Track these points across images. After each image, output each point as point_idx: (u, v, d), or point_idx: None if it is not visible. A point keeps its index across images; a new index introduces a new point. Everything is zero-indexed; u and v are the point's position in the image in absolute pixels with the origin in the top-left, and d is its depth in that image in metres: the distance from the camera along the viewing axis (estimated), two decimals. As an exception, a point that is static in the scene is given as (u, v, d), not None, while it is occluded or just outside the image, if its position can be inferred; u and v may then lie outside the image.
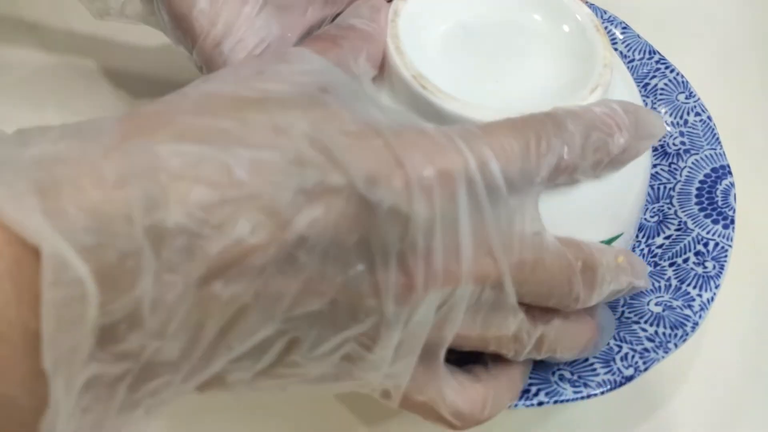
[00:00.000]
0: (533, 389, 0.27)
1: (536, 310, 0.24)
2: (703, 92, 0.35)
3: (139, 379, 0.17)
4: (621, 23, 0.37)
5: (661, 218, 0.33)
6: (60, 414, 0.16)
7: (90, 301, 0.15)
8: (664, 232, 0.33)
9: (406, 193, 0.18)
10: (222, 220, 0.16)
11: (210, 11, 0.26)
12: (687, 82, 0.35)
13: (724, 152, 0.33)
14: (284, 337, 0.19)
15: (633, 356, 0.28)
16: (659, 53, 0.36)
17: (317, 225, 0.18)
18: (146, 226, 0.16)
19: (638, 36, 0.37)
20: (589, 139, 0.22)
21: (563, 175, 0.22)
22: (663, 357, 0.28)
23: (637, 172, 0.26)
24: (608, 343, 0.28)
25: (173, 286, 0.16)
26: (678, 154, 0.34)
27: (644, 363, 0.28)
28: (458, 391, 0.23)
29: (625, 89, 0.28)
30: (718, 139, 0.34)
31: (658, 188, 0.34)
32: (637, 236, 0.33)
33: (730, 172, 0.33)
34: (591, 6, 0.37)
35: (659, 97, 0.35)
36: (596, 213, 0.25)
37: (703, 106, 0.35)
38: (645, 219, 0.34)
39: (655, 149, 0.35)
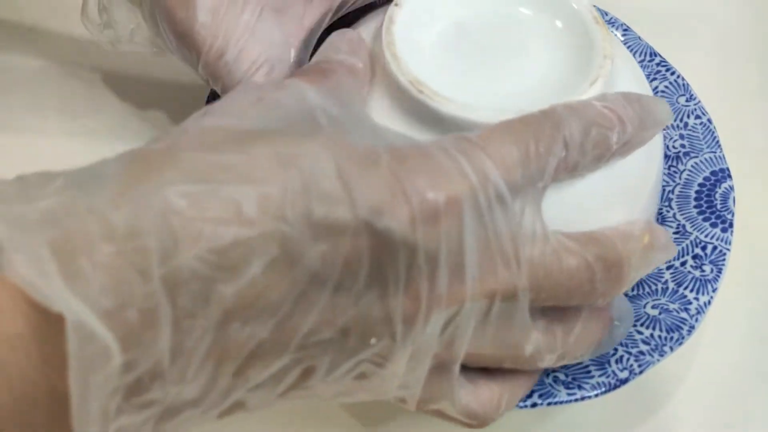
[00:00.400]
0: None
1: (557, 320, 0.23)
2: (702, 93, 0.35)
3: (162, 419, 0.17)
4: (622, 25, 0.37)
5: (659, 221, 0.33)
6: None
7: (115, 363, 0.15)
8: (662, 235, 0.32)
9: (412, 223, 0.18)
10: (235, 261, 0.17)
11: (211, 24, 0.26)
12: (687, 84, 0.35)
13: (723, 155, 0.33)
14: (299, 366, 0.19)
15: (628, 359, 0.28)
16: (660, 55, 0.36)
17: (327, 259, 0.18)
18: (162, 276, 0.16)
19: (639, 38, 0.36)
20: (589, 135, 0.22)
21: (564, 173, 0.23)
22: (658, 360, 0.28)
23: (652, 154, 0.26)
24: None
25: (192, 331, 0.16)
26: (677, 157, 0.34)
27: (639, 366, 0.28)
28: (472, 393, 0.23)
29: (631, 79, 0.28)
30: (718, 142, 0.34)
31: (657, 191, 0.34)
32: (635, 239, 0.33)
33: (729, 176, 0.33)
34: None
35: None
36: (611, 200, 0.25)
37: (704, 109, 0.34)
38: (644, 221, 0.34)
39: (654, 152, 0.35)
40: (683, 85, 0.35)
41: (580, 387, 0.27)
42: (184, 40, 0.27)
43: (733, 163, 0.33)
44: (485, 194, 0.20)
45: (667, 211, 0.33)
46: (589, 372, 0.28)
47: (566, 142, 0.22)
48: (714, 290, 0.30)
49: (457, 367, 0.22)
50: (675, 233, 0.32)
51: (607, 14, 0.37)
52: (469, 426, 0.24)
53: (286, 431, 0.30)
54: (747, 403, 0.32)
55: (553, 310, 0.23)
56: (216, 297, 0.16)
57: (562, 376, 0.27)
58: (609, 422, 0.31)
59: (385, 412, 0.30)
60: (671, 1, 0.44)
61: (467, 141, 0.20)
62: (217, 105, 0.20)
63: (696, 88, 0.35)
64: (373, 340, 0.19)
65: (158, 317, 0.16)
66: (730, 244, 0.31)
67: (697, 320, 0.29)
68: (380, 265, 0.19)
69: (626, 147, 0.24)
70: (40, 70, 0.38)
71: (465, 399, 0.23)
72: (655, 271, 0.31)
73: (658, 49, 0.36)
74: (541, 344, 0.23)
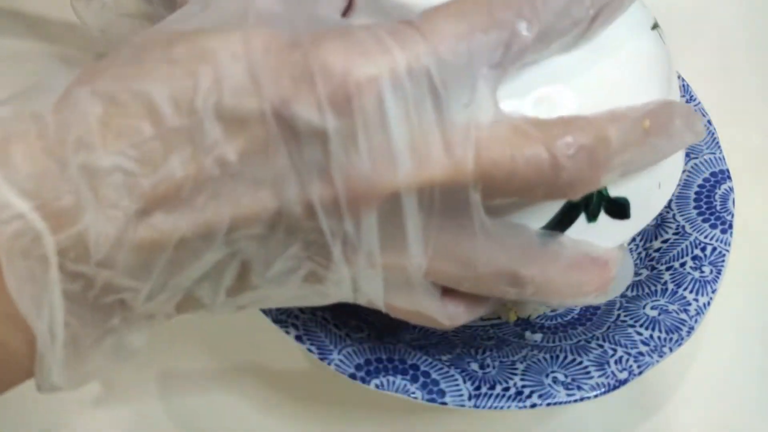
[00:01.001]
0: (526, 391, 0.27)
1: (523, 249, 0.21)
2: (702, 93, 0.35)
3: (102, 295, 0.19)
4: (622, 26, 0.37)
5: (659, 222, 0.33)
6: (42, 332, 0.18)
7: (38, 232, 0.17)
8: (661, 236, 0.32)
9: (320, 108, 0.18)
10: (153, 156, 0.18)
11: None
12: (688, 85, 0.35)
13: (723, 157, 0.33)
14: (235, 260, 0.20)
15: (627, 360, 0.28)
16: (660, 56, 0.36)
17: (242, 151, 0.18)
18: (79, 165, 0.18)
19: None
20: (550, 4, 0.19)
21: (529, 53, 0.20)
22: (658, 361, 0.28)
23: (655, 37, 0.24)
24: (602, 346, 0.28)
25: (115, 220, 0.18)
26: (677, 158, 0.34)
27: (639, 367, 0.27)
28: (439, 300, 0.22)
29: None
30: (717, 143, 0.34)
31: (657, 192, 0.34)
32: (634, 239, 0.33)
33: (729, 177, 0.33)
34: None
35: (659, 100, 0.35)
36: (608, 85, 0.21)
37: (704, 110, 0.34)
38: (643, 222, 0.33)
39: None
40: (683, 86, 0.35)
41: (579, 388, 0.27)
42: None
43: (732, 164, 0.33)
44: (413, 75, 0.18)
45: (667, 213, 0.33)
46: (588, 373, 0.27)
47: (523, 15, 0.19)
48: (713, 291, 0.30)
49: (418, 279, 0.21)
50: (675, 234, 0.32)
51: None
52: (443, 326, 0.23)
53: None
54: (747, 403, 0.32)
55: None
56: (137, 189, 0.18)
57: (561, 377, 0.27)
58: (609, 422, 0.31)
59: (384, 412, 0.30)
60: (671, 1, 0.45)
61: (403, 22, 0.19)
62: (169, 17, 0.21)
63: (695, 88, 0.35)
64: (300, 234, 0.19)
65: (79, 202, 0.18)
66: (729, 245, 0.31)
67: (696, 321, 0.29)
68: (295, 155, 0.18)
69: (607, 11, 0.20)
70: (40, 56, 0.38)
71: (434, 305, 0.22)
72: (655, 272, 0.31)
73: None
74: (500, 262, 0.21)
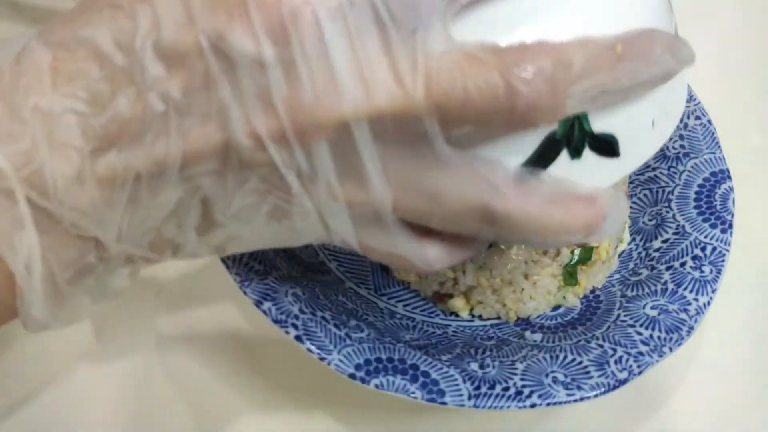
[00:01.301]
0: (526, 391, 0.27)
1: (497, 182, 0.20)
2: (701, 93, 0.35)
3: (72, 230, 0.20)
4: (622, 26, 0.37)
5: (659, 222, 0.33)
6: (17, 266, 0.19)
7: (1, 168, 0.19)
8: (661, 236, 0.32)
9: (254, 38, 0.18)
10: (100, 97, 0.19)
11: None
12: (686, 84, 0.35)
13: (723, 156, 0.33)
14: (196, 197, 0.20)
15: (627, 359, 0.28)
16: (660, 56, 0.36)
17: (184, 86, 0.19)
18: (31, 108, 0.19)
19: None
20: None
21: None
22: (658, 361, 0.28)
23: None
24: (602, 346, 0.28)
25: (70, 159, 0.19)
26: (677, 158, 0.34)
27: (639, 366, 0.27)
28: (415, 240, 0.22)
29: None
30: (717, 143, 0.34)
31: (657, 191, 0.34)
32: (634, 239, 0.33)
33: (729, 177, 0.33)
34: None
35: (659, 100, 0.35)
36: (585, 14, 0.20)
37: (704, 110, 0.34)
38: (644, 222, 0.33)
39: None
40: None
41: (579, 387, 0.27)
42: None
43: (733, 164, 0.33)
44: (354, 1, 0.18)
45: (667, 212, 0.33)
46: (588, 373, 0.27)
47: None
48: (713, 291, 0.30)
49: (387, 215, 0.20)
50: (675, 234, 0.32)
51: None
52: (420, 271, 0.23)
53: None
54: (747, 402, 0.32)
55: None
56: (90, 130, 0.19)
57: (561, 377, 0.27)
58: (609, 422, 0.31)
59: (385, 412, 0.30)
60: (671, 1, 0.44)
61: None
62: None
63: (695, 88, 0.35)
64: (254, 167, 0.20)
65: (37, 145, 0.19)
66: (729, 245, 0.31)
67: (696, 321, 0.29)
68: (236, 86, 0.19)
69: None
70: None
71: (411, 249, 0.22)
72: (655, 272, 0.31)
73: None
74: (469, 196, 0.20)
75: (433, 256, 0.22)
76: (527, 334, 0.31)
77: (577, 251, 0.31)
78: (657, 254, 0.32)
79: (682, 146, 0.34)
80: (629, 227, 0.34)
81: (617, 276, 0.32)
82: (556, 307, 0.32)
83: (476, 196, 0.20)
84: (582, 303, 0.32)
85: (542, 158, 0.20)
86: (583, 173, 0.21)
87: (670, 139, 0.34)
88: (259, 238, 0.22)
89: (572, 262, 0.31)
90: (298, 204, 0.20)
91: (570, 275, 0.31)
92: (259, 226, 0.21)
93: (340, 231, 0.21)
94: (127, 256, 0.21)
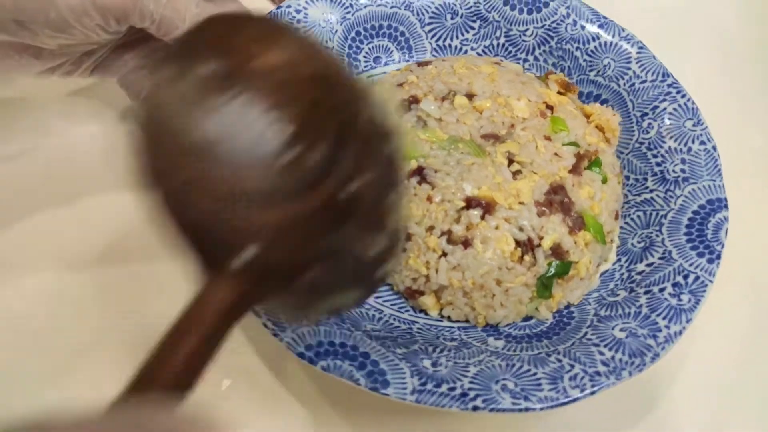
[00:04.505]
0: (471, 394, 0.26)
1: None
2: (702, 93, 0.35)
3: None
4: (638, 42, 0.36)
5: (647, 244, 0.32)
6: None
7: None
8: (647, 259, 0.31)
9: None
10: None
11: None
12: (697, 108, 0.34)
13: (723, 185, 0.32)
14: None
15: (582, 378, 0.27)
16: (672, 76, 0.35)
17: None
18: None
19: (654, 57, 0.35)
20: None
21: None
22: (614, 383, 0.27)
23: None
24: (561, 361, 0.28)
25: None
26: (676, 182, 0.33)
27: (593, 386, 0.27)
28: None
29: None
30: (719, 170, 0.32)
31: (651, 214, 0.33)
32: (620, 260, 0.32)
33: (725, 206, 0.31)
34: (608, 22, 0.37)
35: (666, 121, 0.34)
36: None
37: (709, 135, 0.33)
38: (632, 244, 0.32)
39: (654, 174, 0.34)
40: (692, 108, 0.34)
41: (526, 398, 0.26)
42: None
43: (733, 163, 0.33)
44: None
45: (657, 236, 0.32)
46: (539, 385, 0.27)
47: None
48: (688, 321, 0.28)
49: None
50: (660, 258, 0.31)
51: (624, 30, 0.36)
52: None
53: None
54: (745, 402, 0.31)
55: None
56: None
57: (511, 385, 0.27)
58: (608, 419, 0.30)
59: (385, 414, 0.30)
60: (672, 1, 0.44)
61: None
62: None
63: (696, 88, 0.35)
64: None
65: None
66: (714, 275, 0.30)
67: (663, 349, 0.28)
68: None
69: None
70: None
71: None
72: (633, 294, 0.30)
73: (658, 49, 0.35)
74: None
75: None
76: (490, 340, 0.30)
77: (554, 263, 0.30)
78: (639, 277, 0.31)
79: (682, 170, 0.33)
80: (617, 247, 0.33)
81: (595, 294, 0.32)
82: (527, 318, 0.31)
83: None
84: (554, 317, 0.31)
85: None
86: None
87: (672, 162, 0.33)
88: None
89: (548, 274, 0.30)
90: None
91: (544, 287, 0.30)
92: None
93: None
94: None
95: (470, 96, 0.33)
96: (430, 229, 0.30)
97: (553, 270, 0.31)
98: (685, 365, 0.32)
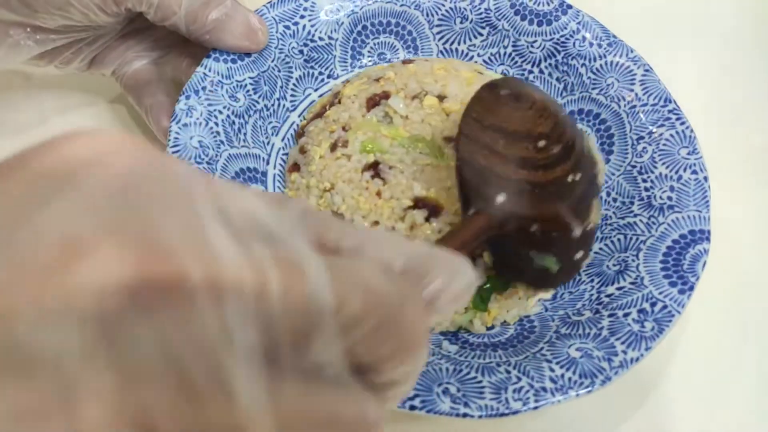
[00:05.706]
0: (411, 393, 0.26)
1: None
2: (702, 93, 0.35)
3: None
4: (645, 65, 0.35)
5: (622, 268, 0.31)
6: None
7: None
8: (618, 282, 0.31)
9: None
10: None
11: None
12: (694, 137, 0.33)
13: (708, 216, 0.31)
14: None
15: (527, 391, 0.26)
16: (675, 102, 0.34)
17: None
18: None
19: (659, 81, 0.35)
20: None
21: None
22: (559, 401, 0.26)
23: None
24: (509, 372, 0.27)
25: None
26: (661, 209, 0.32)
27: (536, 401, 0.26)
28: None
29: None
30: (707, 202, 0.31)
31: (630, 238, 0.32)
32: (593, 281, 0.32)
33: (707, 239, 0.30)
34: (617, 41, 0.36)
35: (661, 146, 0.33)
36: None
37: (703, 166, 0.32)
38: (607, 266, 0.32)
39: (641, 199, 0.33)
40: (689, 137, 0.33)
41: (465, 404, 0.26)
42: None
43: (733, 164, 0.33)
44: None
45: (633, 261, 0.31)
46: (482, 393, 0.26)
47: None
48: (647, 349, 0.28)
49: None
50: (631, 283, 0.30)
51: (632, 51, 0.36)
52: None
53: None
54: (743, 401, 0.31)
55: None
56: None
57: (453, 390, 0.26)
58: (609, 420, 0.30)
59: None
60: (672, 1, 0.44)
61: None
62: None
63: (696, 89, 0.34)
64: None
65: None
66: (683, 307, 0.29)
67: (616, 373, 0.27)
68: None
69: None
70: None
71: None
72: (597, 316, 0.30)
73: (657, 48, 0.35)
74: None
75: None
76: (445, 343, 0.30)
77: (494, 278, 0.30)
78: (607, 299, 0.30)
79: (669, 197, 0.32)
80: (591, 268, 0.32)
81: (561, 312, 0.31)
82: (490, 327, 0.31)
83: None
84: (516, 329, 0.31)
85: None
86: None
87: (660, 188, 0.32)
88: None
89: (485, 285, 0.30)
90: None
91: (481, 299, 0.30)
92: None
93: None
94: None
95: (441, 97, 0.33)
96: (375, 224, 0.30)
97: (491, 284, 0.30)
98: (690, 367, 0.32)
